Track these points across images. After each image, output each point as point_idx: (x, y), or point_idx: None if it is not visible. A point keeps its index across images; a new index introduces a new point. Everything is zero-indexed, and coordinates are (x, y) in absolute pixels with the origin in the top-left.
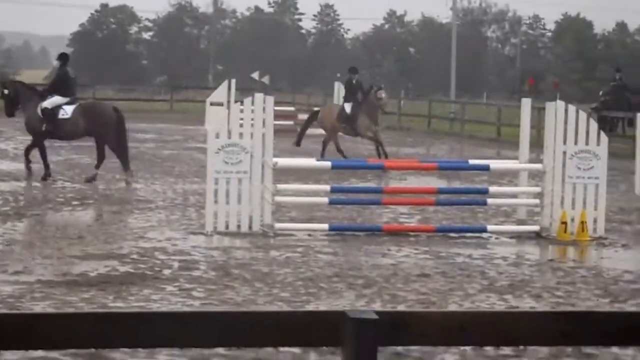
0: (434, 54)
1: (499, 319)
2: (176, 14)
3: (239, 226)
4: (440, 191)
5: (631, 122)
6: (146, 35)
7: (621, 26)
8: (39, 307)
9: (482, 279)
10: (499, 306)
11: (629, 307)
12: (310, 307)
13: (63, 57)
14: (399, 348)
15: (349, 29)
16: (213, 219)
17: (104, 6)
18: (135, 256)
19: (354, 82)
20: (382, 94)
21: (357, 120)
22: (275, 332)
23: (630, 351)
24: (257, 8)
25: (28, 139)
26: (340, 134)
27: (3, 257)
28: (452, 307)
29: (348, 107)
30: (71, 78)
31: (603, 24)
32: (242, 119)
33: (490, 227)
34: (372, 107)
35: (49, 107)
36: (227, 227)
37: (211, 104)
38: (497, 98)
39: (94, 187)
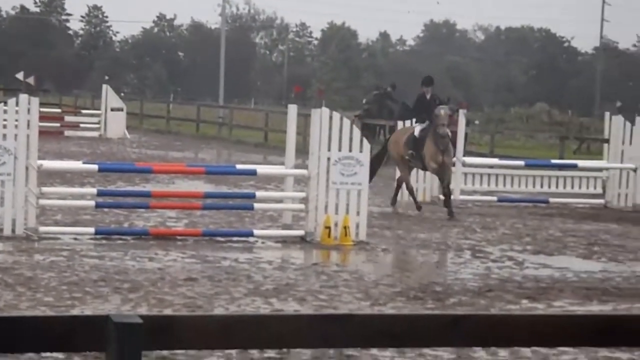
0: (203, 59)
1: (263, 322)
2: None
3: (1, 229)
4: (208, 195)
5: (393, 130)
6: None
7: (384, 36)
8: None
9: (247, 282)
10: (264, 309)
11: (389, 309)
12: (74, 312)
13: None
14: (165, 352)
15: (117, 32)
16: None
17: None
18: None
19: (427, 97)
20: (441, 110)
21: (423, 148)
22: (36, 337)
23: (388, 352)
24: (22, 7)
25: None
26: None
27: None
28: (218, 311)
29: (418, 130)
30: None
31: (367, 34)
32: (5, 120)
33: (256, 232)
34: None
35: None
36: None
37: None
38: (265, 104)
39: None
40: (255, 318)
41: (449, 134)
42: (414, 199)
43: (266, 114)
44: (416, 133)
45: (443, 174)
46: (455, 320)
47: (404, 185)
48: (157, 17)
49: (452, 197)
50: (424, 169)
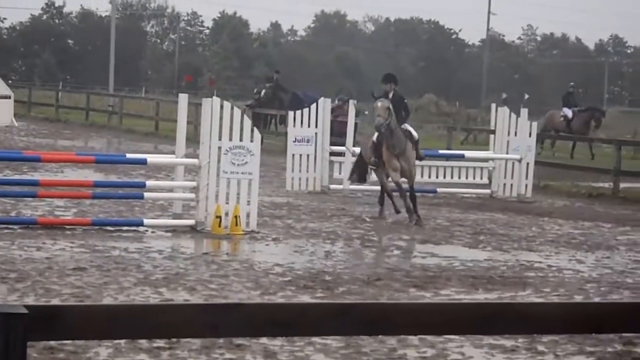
0: (93, 47)
1: (151, 312)
2: None
3: None
4: (97, 184)
5: (283, 120)
6: None
7: (275, 26)
8: None
9: (137, 272)
10: (154, 299)
11: (279, 298)
12: None
13: None
14: (52, 342)
15: (5, 18)
16: None
17: None
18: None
19: (390, 96)
20: (377, 103)
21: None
22: None
23: (278, 341)
24: None
25: None
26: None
27: None
28: (107, 301)
29: (376, 134)
30: None
31: (258, 23)
32: None
33: (146, 221)
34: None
35: None
36: None
37: None
38: (156, 93)
39: None
40: (143, 307)
41: (392, 127)
42: (393, 202)
43: (157, 103)
44: (374, 137)
45: (408, 179)
46: (344, 308)
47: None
48: (46, 4)
49: (410, 199)
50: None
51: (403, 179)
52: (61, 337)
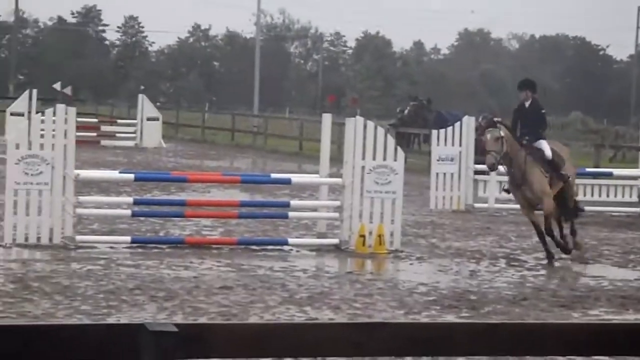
0: (238, 69)
1: (297, 331)
2: None
3: (39, 238)
4: (243, 204)
5: (427, 139)
6: None
7: (418, 45)
8: None
9: (282, 291)
10: (299, 318)
11: (423, 318)
12: (111, 320)
13: None
14: None
15: (153, 42)
16: (12, 230)
17: None
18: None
19: (527, 105)
20: (487, 135)
21: None
22: (72, 345)
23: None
24: (60, 18)
25: None
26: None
27: None
28: (253, 319)
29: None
30: None
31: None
32: (43, 129)
33: (291, 240)
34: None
35: None
36: (26, 239)
37: (11, 114)
38: (300, 113)
39: None
40: (289, 326)
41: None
42: (542, 243)
43: (301, 123)
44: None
45: (542, 206)
46: (490, 328)
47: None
48: (193, 27)
49: (547, 236)
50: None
51: (540, 212)
52: (209, 356)
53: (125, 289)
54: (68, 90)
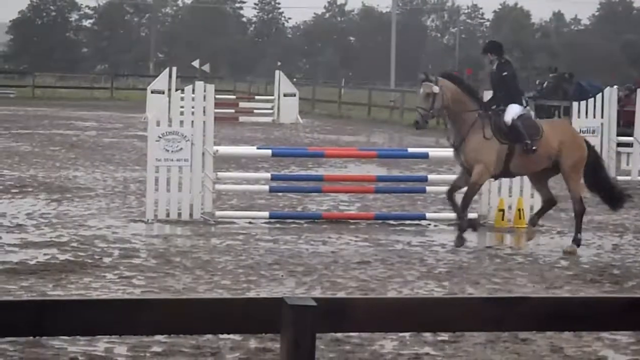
0: (374, 43)
1: (434, 305)
2: (117, 1)
3: (179, 214)
4: (380, 179)
5: (567, 111)
6: (86, 23)
7: (558, 16)
8: None
9: (420, 265)
10: (438, 293)
11: (564, 292)
12: (250, 295)
13: None
14: (338, 334)
15: (289, 18)
16: (154, 206)
17: None
18: (75, 244)
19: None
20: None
21: None
22: (214, 319)
23: (564, 335)
24: None
25: None
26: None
27: None
28: (391, 294)
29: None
30: None
31: (540, 14)
32: (182, 107)
33: (429, 215)
34: None
35: None
36: (167, 215)
37: (152, 92)
38: None
39: (34, 175)
40: (428, 301)
41: (420, 120)
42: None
43: None
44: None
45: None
46: (634, 303)
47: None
48: (329, 2)
49: (449, 202)
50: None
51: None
52: (348, 330)
53: (264, 264)
54: (207, 68)
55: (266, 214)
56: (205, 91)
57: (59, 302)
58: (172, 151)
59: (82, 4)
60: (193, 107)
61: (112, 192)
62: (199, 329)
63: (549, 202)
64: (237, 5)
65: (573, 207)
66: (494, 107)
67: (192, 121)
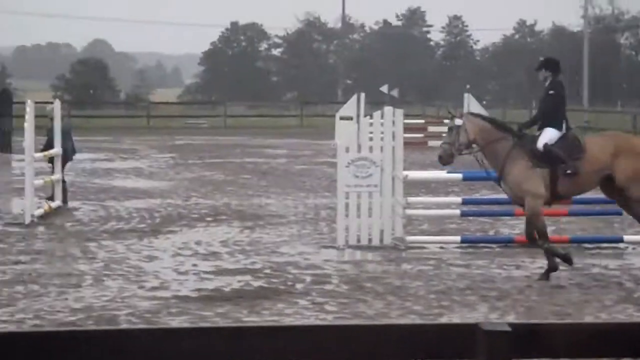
0: (565, 63)
1: (635, 330)
2: (305, 30)
3: (370, 239)
4: (574, 201)
5: None
6: (275, 52)
7: None
8: (175, 322)
9: (619, 290)
10: (638, 317)
11: None
12: (443, 320)
13: None
14: None
15: (478, 40)
16: (344, 232)
17: (234, 24)
18: (268, 271)
19: None
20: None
21: None
22: (407, 344)
23: None
24: (385, 22)
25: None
26: None
27: (140, 273)
28: (588, 319)
29: None
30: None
31: None
32: (371, 132)
33: (626, 237)
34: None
35: None
36: (358, 240)
37: (340, 118)
38: (632, 106)
39: (227, 203)
40: (626, 326)
41: (444, 154)
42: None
43: (634, 116)
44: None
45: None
46: None
47: None
48: (518, 23)
49: (529, 242)
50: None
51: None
52: (543, 355)
53: (457, 289)
54: (395, 93)
55: (458, 238)
56: (394, 116)
57: (253, 328)
58: (361, 177)
59: (271, 34)
60: (382, 133)
61: (303, 218)
62: (392, 354)
63: None
64: (425, 29)
65: None
66: (526, 129)
67: (382, 147)
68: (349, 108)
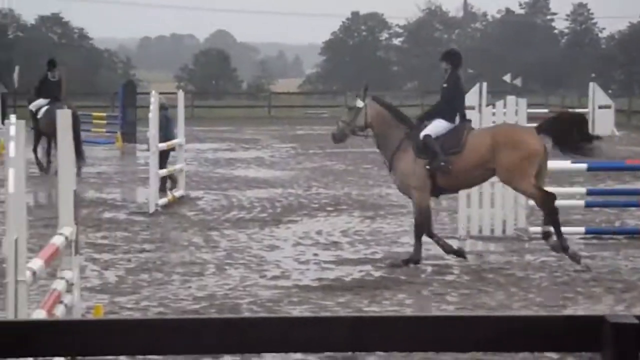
0: None
1: None
2: (426, 19)
3: (492, 230)
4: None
5: None
6: (396, 41)
7: None
8: (296, 311)
9: None
10: None
11: None
12: (566, 312)
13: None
14: None
15: (603, 28)
16: (466, 223)
17: (355, 14)
18: (389, 261)
19: None
20: None
21: None
22: (531, 337)
23: None
24: (507, 10)
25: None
26: None
27: (261, 262)
28: None
29: None
30: (51, 83)
31: None
32: (494, 122)
33: None
34: None
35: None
36: (480, 231)
37: None
38: None
39: (348, 193)
40: None
41: (336, 130)
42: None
43: None
44: None
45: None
46: None
47: None
48: None
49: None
50: None
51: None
52: None
53: (581, 281)
54: (518, 82)
55: (582, 229)
56: (517, 105)
57: (375, 318)
58: None
59: (392, 23)
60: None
61: None
62: (516, 346)
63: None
64: (548, 17)
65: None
66: (424, 121)
67: None
68: (470, 97)
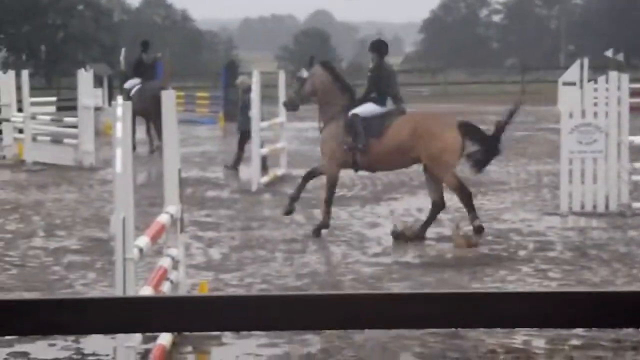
0: None
1: None
2: None
3: (594, 206)
4: None
5: None
6: (496, 18)
7: None
8: (397, 288)
9: None
10: None
11: None
12: None
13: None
14: None
15: None
16: (568, 199)
17: None
18: (490, 237)
19: None
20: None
21: None
22: (634, 312)
23: None
24: None
25: None
26: None
27: (362, 239)
28: None
29: None
30: (145, 64)
31: None
32: (596, 98)
33: None
34: None
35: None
36: (582, 207)
37: (563, 83)
38: None
39: None
40: None
41: (289, 96)
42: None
43: None
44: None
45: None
46: None
47: None
48: None
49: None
50: None
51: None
52: None
53: None
54: (620, 57)
55: None
56: (619, 81)
57: (473, 294)
58: (586, 143)
59: (491, 0)
60: (606, 98)
61: (525, 185)
62: (619, 322)
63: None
64: None
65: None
66: (360, 103)
67: (606, 112)
68: (571, 73)
